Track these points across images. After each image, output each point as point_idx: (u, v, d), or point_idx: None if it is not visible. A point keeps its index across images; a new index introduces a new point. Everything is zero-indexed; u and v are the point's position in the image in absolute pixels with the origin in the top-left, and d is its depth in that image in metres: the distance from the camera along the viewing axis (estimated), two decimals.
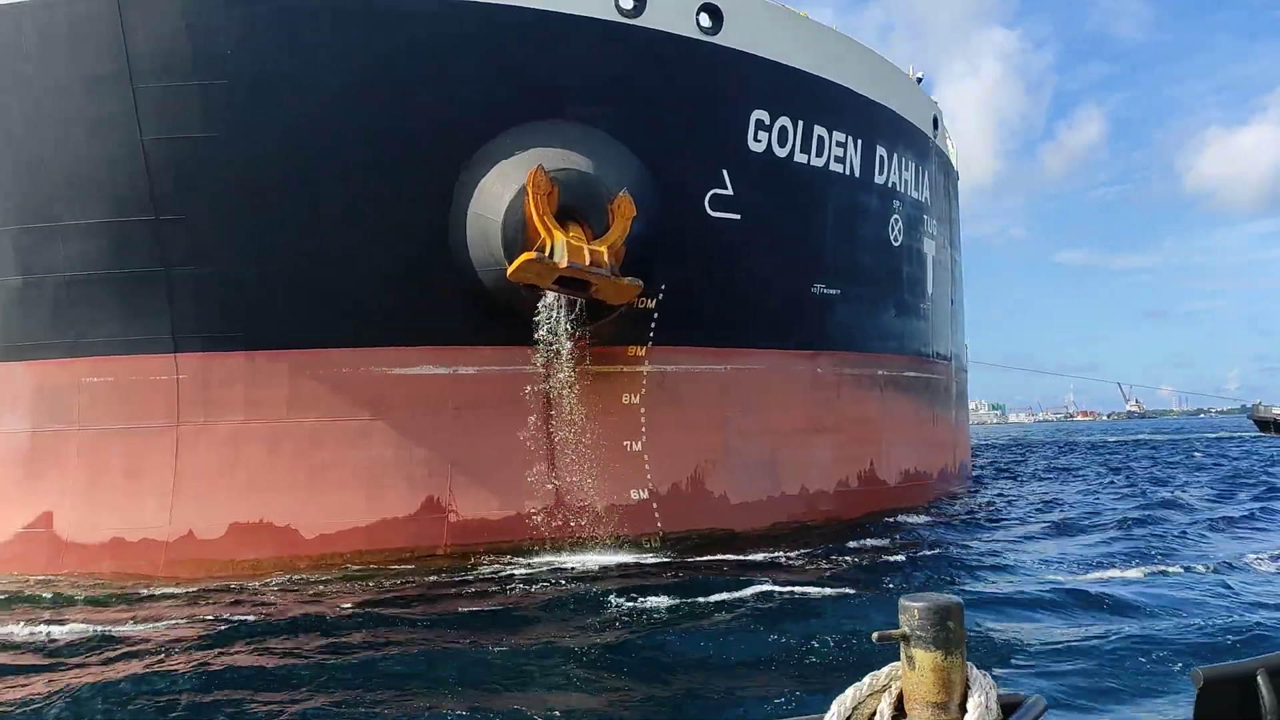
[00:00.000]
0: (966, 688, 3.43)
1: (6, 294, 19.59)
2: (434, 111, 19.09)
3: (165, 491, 19.05)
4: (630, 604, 15.02)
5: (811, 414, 24.17)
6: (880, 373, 26.61)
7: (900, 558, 20.25)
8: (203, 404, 19.31)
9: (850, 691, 3.59)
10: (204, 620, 13.58)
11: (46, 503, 19.37)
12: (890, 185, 26.29)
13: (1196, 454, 65.17)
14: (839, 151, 24.11)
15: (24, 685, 10.51)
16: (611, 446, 20.97)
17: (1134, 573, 19.03)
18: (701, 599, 15.28)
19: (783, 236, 23.12)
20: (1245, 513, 27.46)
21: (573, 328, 19.32)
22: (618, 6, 20.09)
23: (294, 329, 19.37)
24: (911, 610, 3.42)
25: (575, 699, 10.46)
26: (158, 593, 16.73)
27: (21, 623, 13.88)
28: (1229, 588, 16.86)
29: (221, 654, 11.33)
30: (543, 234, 17.93)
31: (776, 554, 20.16)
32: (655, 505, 21.32)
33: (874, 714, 3.53)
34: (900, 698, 3.51)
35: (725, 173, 21.80)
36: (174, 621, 13.57)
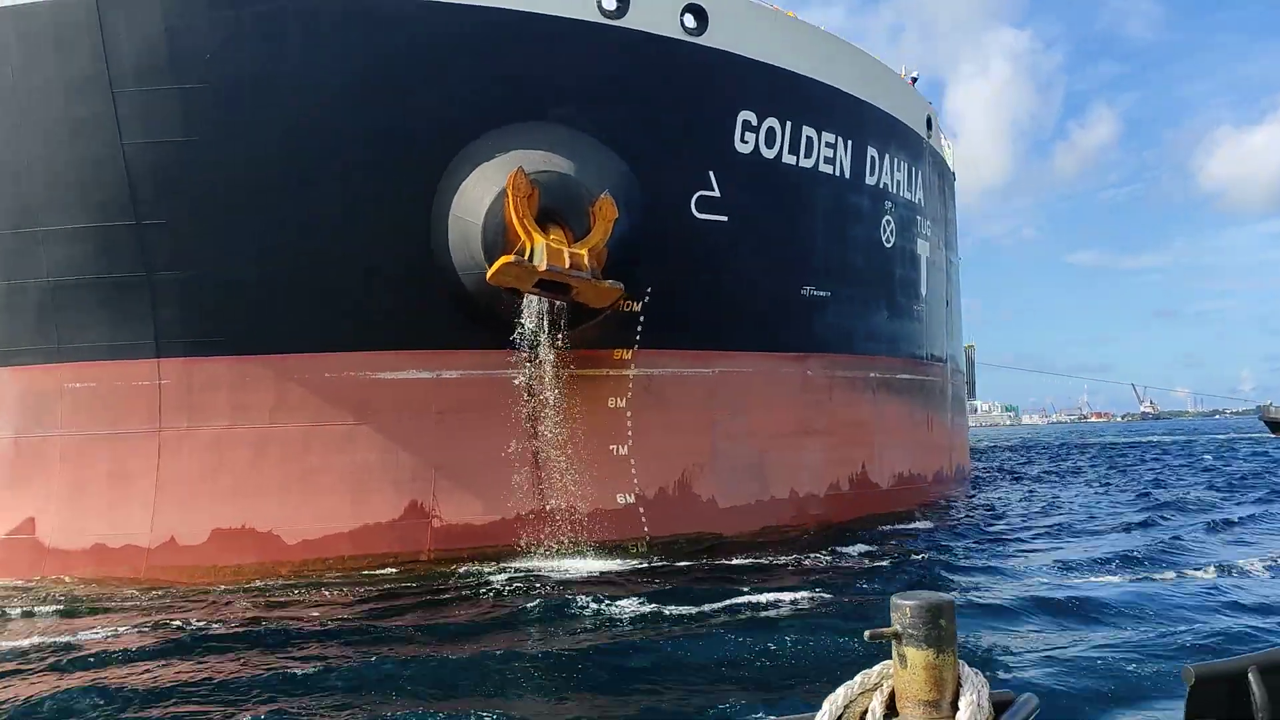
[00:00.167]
0: (958, 686, 3.40)
1: None
2: (415, 114, 18.99)
3: (147, 497, 18.98)
4: (607, 610, 14.88)
5: (801, 417, 23.99)
6: (872, 375, 26.41)
7: (888, 563, 20.09)
8: (186, 409, 19.25)
9: (842, 690, 3.57)
10: (168, 628, 13.48)
11: (30, 508, 19.33)
12: (882, 186, 26.11)
13: (1207, 456, 64.66)
14: (828, 152, 23.95)
15: None
16: (597, 450, 20.82)
17: (1125, 577, 18.97)
18: (682, 606, 15.12)
19: (771, 238, 22.96)
20: (1245, 515, 27.20)
21: (554, 331, 19.20)
22: (600, 8, 19.98)
23: (277, 333, 19.29)
24: (903, 608, 3.39)
25: (530, 708, 10.32)
26: (128, 600, 16.61)
27: None
28: (1219, 591, 16.74)
29: (174, 664, 11.23)
30: (522, 237, 17.82)
31: (763, 559, 20.02)
32: (642, 509, 21.17)
33: (866, 712, 3.50)
34: (892, 696, 3.48)
35: (712, 174, 21.66)
36: (140, 629, 13.47)
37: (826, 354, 24.82)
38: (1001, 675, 11.79)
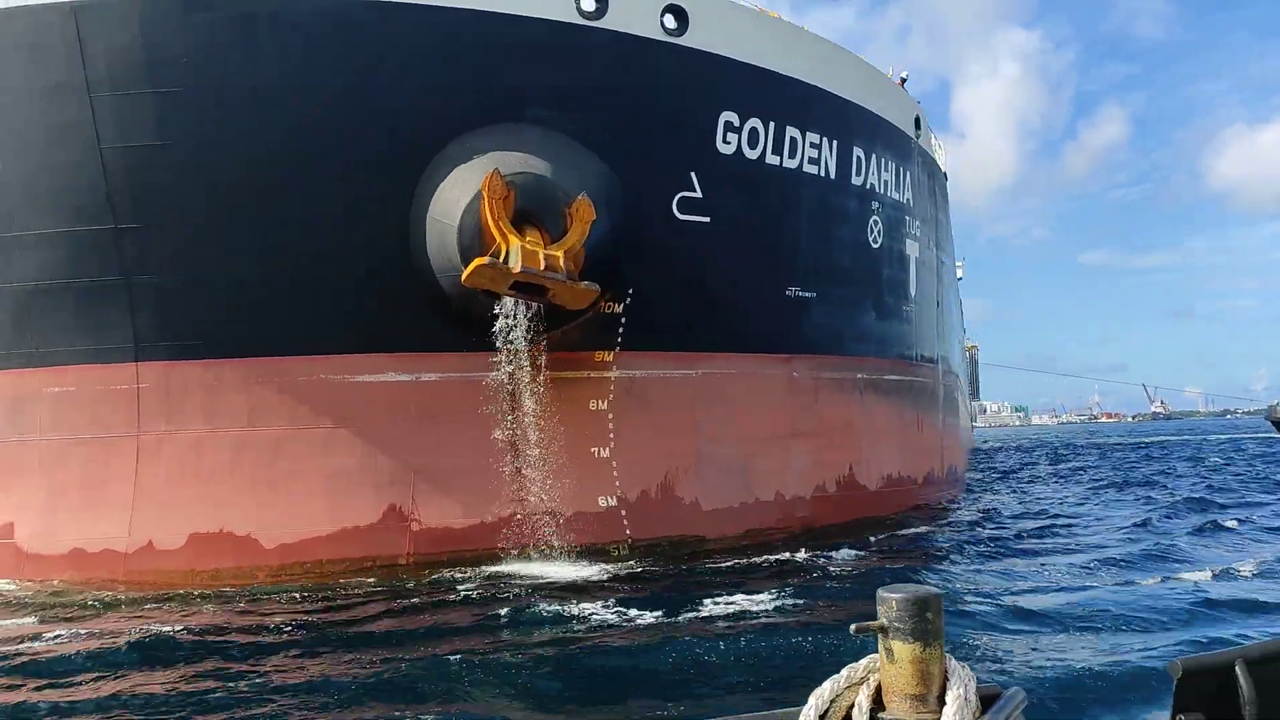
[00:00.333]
0: (945, 680, 3.37)
1: None
2: (392, 116, 18.93)
3: (125, 502, 18.96)
4: (581, 613, 14.79)
5: (787, 418, 23.87)
6: (860, 376, 26.28)
7: (872, 564, 20.04)
8: (164, 413, 19.21)
9: (828, 684, 3.53)
10: (128, 634, 13.36)
11: (8, 513, 19.34)
12: (868, 187, 25.99)
13: (1215, 458, 64.36)
14: (813, 153, 23.84)
15: None
16: (578, 453, 20.72)
17: (1113, 578, 18.92)
18: (659, 609, 15.09)
19: (755, 239, 22.86)
20: (1241, 517, 27.02)
21: (532, 333, 19.12)
22: (579, 9, 19.90)
23: (255, 337, 19.25)
24: (890, 602, 3.36)
25: (497, 713, 10.24)
26: (97, 605, 16.56)
27: None
28: (1207, 592, 16.70)
29: (127, 674, 11.13)
30: (498, 239, 17.75)
31: (745, 561, 19.95)
32: (624, 512, 21.07)
33: (852, 706, 3.47)
34: (878, 690, 3.45)
35: (694, 175, 21.56)
36: (100, 635, 13.39)
37: (812, 355, 24.69)
38: (988, 669, 11.85)
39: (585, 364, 21.08)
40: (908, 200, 28.35)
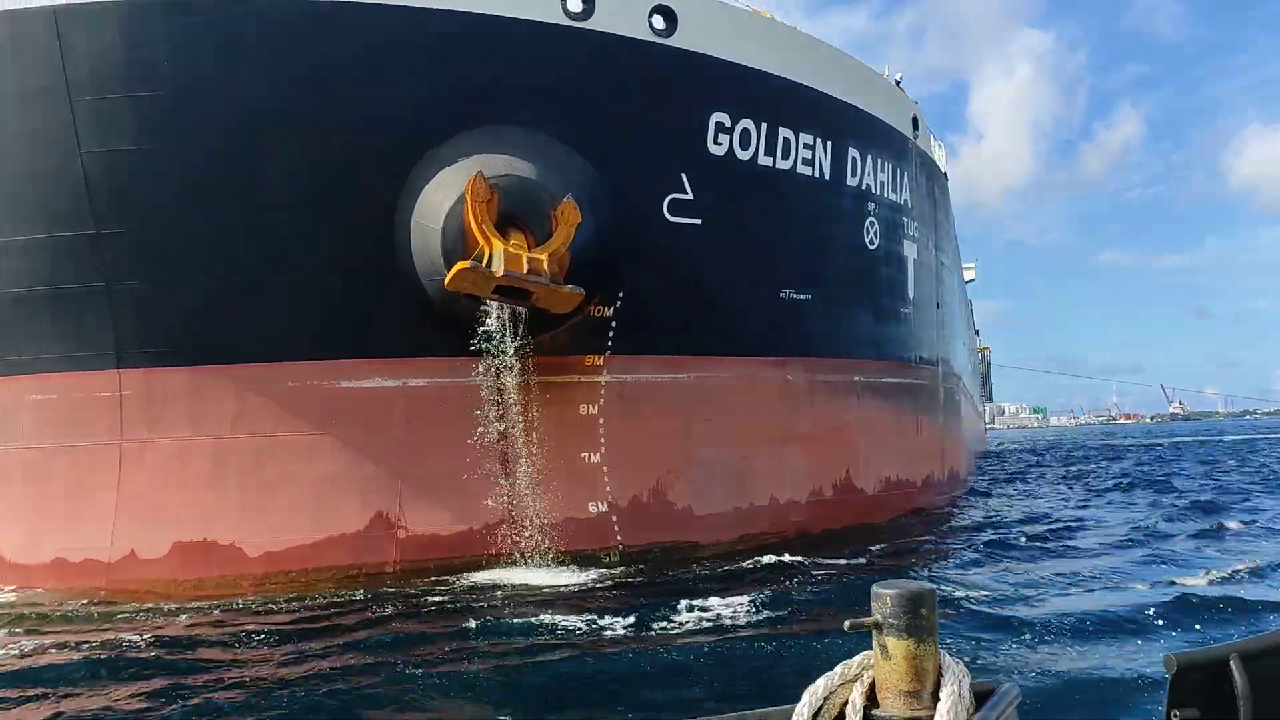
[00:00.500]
0: (940, 676, 3.35)
1: None
2: (377, 119, 18.72)
3: (108, 510, 18.77)
4: (566, 620, 14.53)
5: (782, 422, 23.58)
6: (857, 379, 25.97)
7: (868, 568, 19.76)
8: (147, 421, 19.02)
9: (822, 681, 3.50)
10: (93, 646, 13.15)
11: None
12: (864, 187, 25.69)
13: (1230, 460, 63.80)
14: (806, 154, 23.55)
15: None
16: (568, 458, 20.50)
17: (1112, 580, 18.63)
18: (647, 615, 14.83)
19: (747, 241, 22.58)
20: (1243, 521, 26.62)
21: (518, 337, 18.90)
22: (565, 10, 19.68)
23: (239, 343, 19.05)
24: (884, 598, 3.34)
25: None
26: (70, 616, 16.32)
27: None
28: (1203, 595, 16.48)
29: (81, 690, 10.90)
30: (481, 242, 17.53)
31: (738, 566, 19.65)
32: (614, 518, 20.80)
33: (846, 703, 3.45)
34: (873, 687, 3.44)
35: (684, 177, 21.30)
36: (67, 648, 13.16)
37: (808, 358, 24.39)
38: (983, 666, 11.83)
39: (575, 368, 20.85)
40: (905, 201, 28.04)
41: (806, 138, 23.48)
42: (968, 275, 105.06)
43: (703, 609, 15.25)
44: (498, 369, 19.13)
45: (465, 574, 18.90)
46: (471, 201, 17.51)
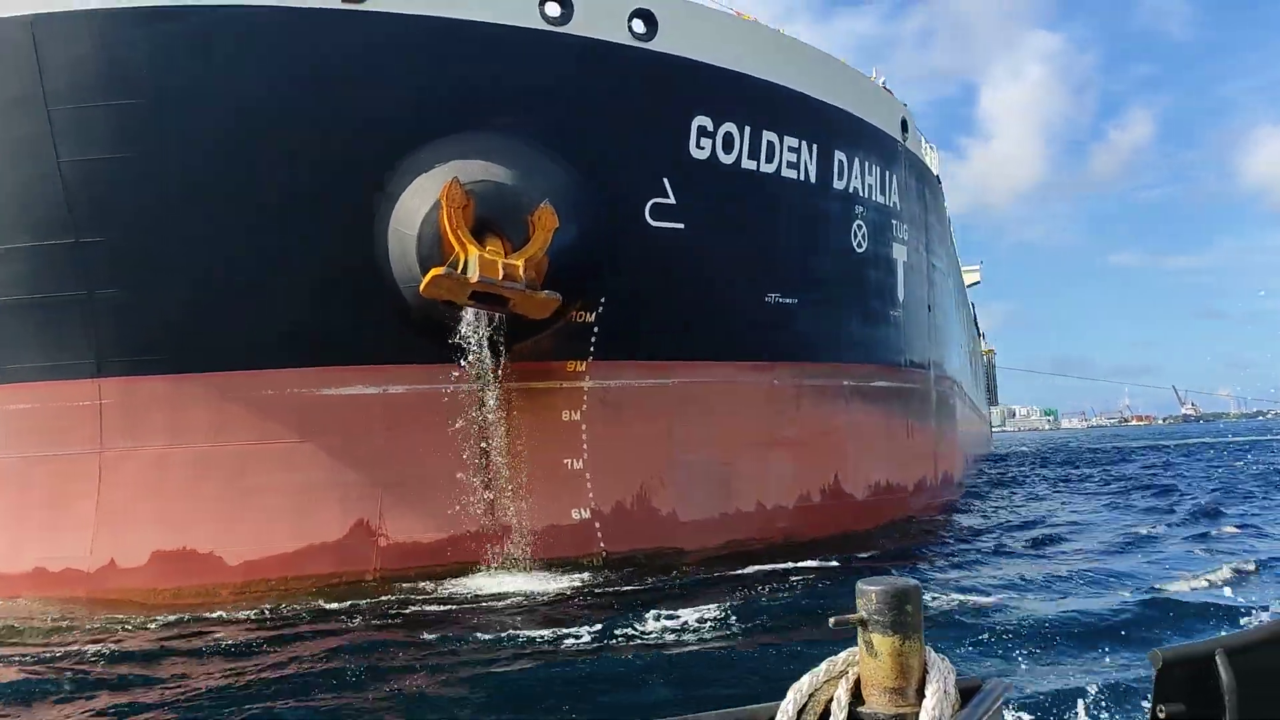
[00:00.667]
0: (925, 672, 3.37)
1: None
2: (354, 126, 18.67)
3: (88, 519, 18.72)
4: (542, 628, 14.43)
5: (768, 427, 23.45)
6: (845, 383, 25.83)
7: (854, 572, 19.60)
8: (127, 429, 18.98)
9: (807, 678, 3.51)
10: (44, 661, 13.05)
11: None
12: (851, 190, 25.56)
13: (1237, 463, 63.41)
14: (791, 157, 23.44)
15: None
16: (550, 465, 20.42)
17: (1099, 586, 18.50)
18: (626, 622, 14.65)
19: (731, 245, 22.46)
20: (1239, 525, 26.39)
21: (497, 344, 18.84)
22: (543, 14, 19.62)
23: (218, 350, 19.01)
24: (869, 594, 3.36)
25: None
26: (38, 627, 16.24)
27: None
28: (1192, 601, 16.43)
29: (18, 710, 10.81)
30: (456, 248, 17.47)
31: (717, 574, 19.48)
32: (598, 524, 20.71)
33: (831, 700, 3.45)
34: (858, 683, 3.44)
35: (666, 181, 21.22)
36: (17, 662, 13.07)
37: (795, 362, 24.27)
38: (968, 660, 11.89)
39: (557, 374, 20.77)
40: (894, 204, 27.90)
41: (791, 141, 23.37)
42: (972, 278, 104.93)
43: (679, 616, 15.12)
44: (478, 375, 19.04)
45: (446, 582, 18.79)
46: (447, 207, 17.45)
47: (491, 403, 19.45)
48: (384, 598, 17.03)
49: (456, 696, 11.11)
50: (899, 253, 28.28)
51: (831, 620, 3.44)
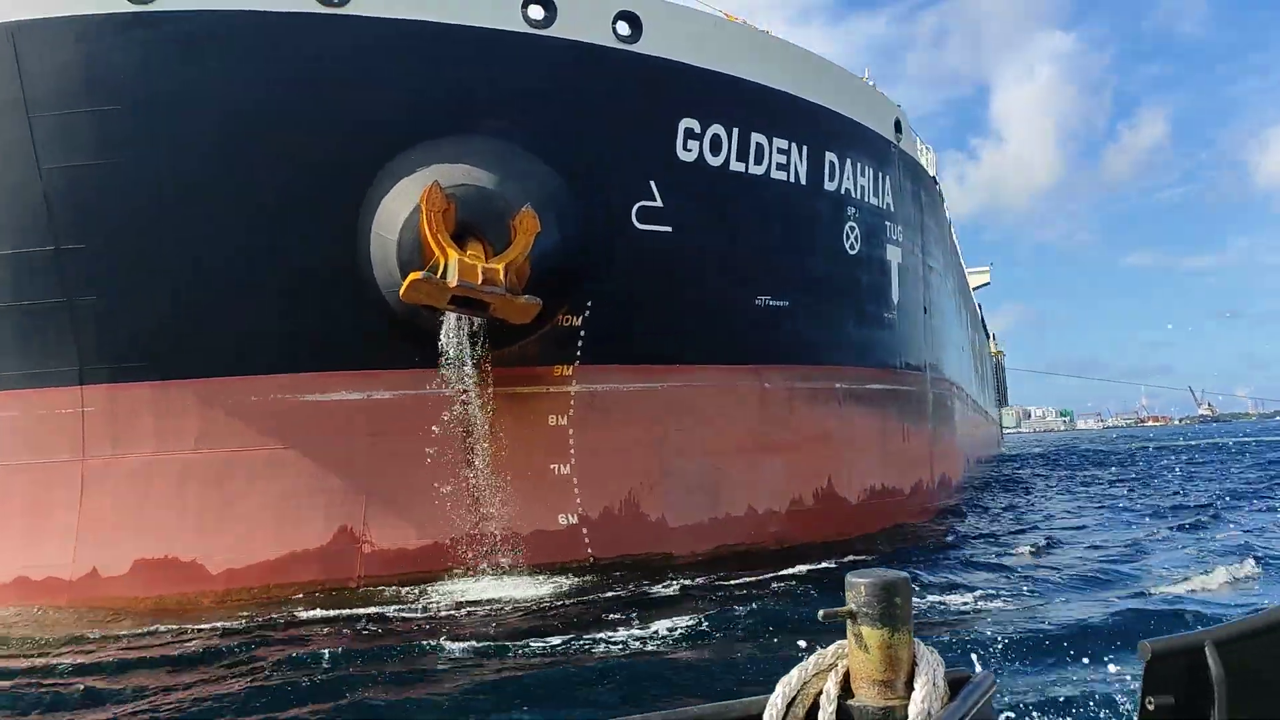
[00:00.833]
0: (914, 665, 3.37)
1: None
2: (337, 131, 18.57)
3: (70, 528, 18.64)
4: (521, 635, 14.28)
5: (759, 431, 23.25)
6: (838, 386, 25.62)
7: (840, 579, 19.33)
8: (110, 437, 18.91)
9: (795, 672, 3.50)
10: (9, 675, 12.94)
11: None
12: (843, 192, 25.37)
13: (1246, 459, 62.93)
14: (781, 159, 23.27)
15: None
16: (537, 470, 20.29)
17: (1091, 587, 18.51)
18: (605, 628, 14.53)
19: (720, 248, 22.31)
20: (1240, 529, 26.10)
21: (480, 348, 18.71)
22: (526, 17, 19.51)
23: (203, 357, 18.92)
24: (858, 586, 3.36)
25: None
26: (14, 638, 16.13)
27: None
28: (1180, 602, 16.32)
29: None
30: (436, 253, 17.35)
31: (705, 580, 19.26)
32: (585, 530, 20.55)
33: (820, 693, 3.44)
34: (847, 676, 3.44)
35: (653, 184, 21.08)
36: None
37: (786, 365, 24.08)
38: (960, 662, 11.50)
39: (544, 378, 20.62)
40: (888, 205, 27.70)
41: (780, 142, 23.20)
42: (981, 280, 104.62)
43: (660, 623, 14.97)
44: (460, 380, 18.92)
45: (431, 588, 18.66)
46: (427, 211, 17.34)
47: (476, 408, 19.31)
48: (364, 609, 16.76)
49: (425, 704, 11.00)
50: (893, 254, 28.07)
51: (821, 613, 3.44)
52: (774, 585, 18.27)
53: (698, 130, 21.56)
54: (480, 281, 17.00)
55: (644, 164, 21.02)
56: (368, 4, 18.44)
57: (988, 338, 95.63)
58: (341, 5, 18.33)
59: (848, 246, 25.71)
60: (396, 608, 16.95)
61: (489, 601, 17.46)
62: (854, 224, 25.83)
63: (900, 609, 3.32)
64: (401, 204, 18.13)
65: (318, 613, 16.47)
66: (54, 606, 18.14)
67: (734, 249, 22.65)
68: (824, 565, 20.70)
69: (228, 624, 15.69)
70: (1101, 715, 10.33)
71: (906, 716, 3.28)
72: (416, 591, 18.34)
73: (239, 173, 18.46)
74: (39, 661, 13.96)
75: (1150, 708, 3.91)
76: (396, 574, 19.05)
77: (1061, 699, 10.80)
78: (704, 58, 21.59)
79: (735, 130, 22.18)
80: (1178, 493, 39.25)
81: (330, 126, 18.55)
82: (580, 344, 20.73)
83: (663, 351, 21.84)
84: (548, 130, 19.73)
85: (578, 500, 20.61)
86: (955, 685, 3.39)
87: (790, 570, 19.76)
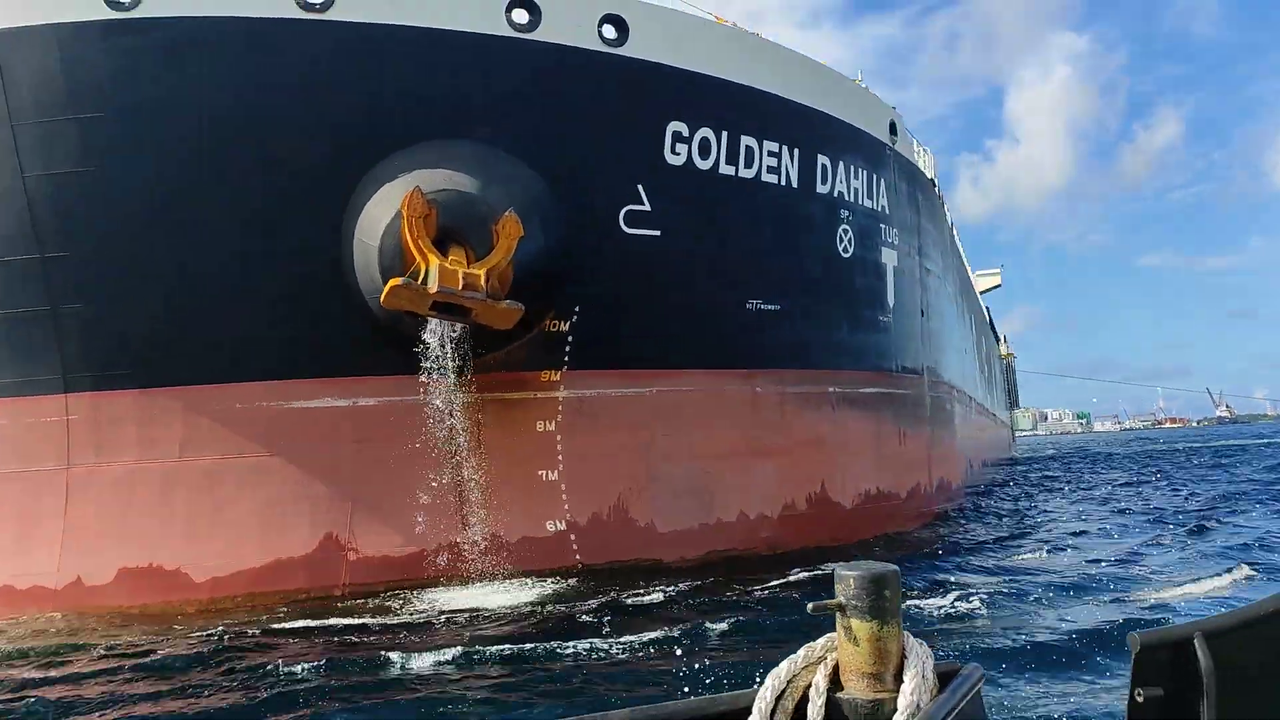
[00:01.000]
0: (903, 657, 3.38)
1: None
2: (320, 136, 18.54)
3: (55, 536, 18.61)
4: (502, 642, 14.14)
5: (750, 435, 23.08)
6: (832, 389, 25.43)
7: (827, 585, 19.15)
8: (94, 445, 18.88)
9: (785, 664, 3.50)
10: None
11: None
12: (836, 195, 25.21)
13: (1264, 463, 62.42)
14: (771, 161, 23.12)
15: None
16: (524, 476, 20.18)
17: (1084, 588, 18.40)
18: (588, 636, 14.38)
19: (709, 252, 22.16)
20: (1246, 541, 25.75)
21: (464, 354, 18.62)
22: (510, 21, 19.42)
23: (187, 364, 18.88)
24: (847, 579, 3.36)
25: None
26: None
27: None
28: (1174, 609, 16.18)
29: None
30: (417, 258, 17.26)
31: (694, 584, 19.08)
32: (573, 536, 20.42)
33: (809, 686, 3.45)
34: (836, 669, 3.45)
35: (641, 188, 20.96)
36: None
37: (778, 369, 23.90)
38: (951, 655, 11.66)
39: (531, 384, 20.52)
40: (882, 208, 27.51)
41: (771, 145, 23.05)
42: (992, 282, 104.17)
43: (644, 629, 14.85)
44: (445, 386, 18.82)
45: (417, 595, 18.55)
46: (408, 217, 17.25)
47: (462, 414, 19.21)
48: (346, 620, 16.61)
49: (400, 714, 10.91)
50: (888, 257, 27.88)
51: (810, 606, 3.44)
52: (761, 592, 18.07)
53: (686, 134, 21.44)
54: (461, 287, 16.89)
55: (631, 168, 20.90)
56: (349, 9, 18.38)
57: (997, 340, 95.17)
58: (323, 10, 18.28)
59: (841, 250, 25.53)
60: (376, 616, 16.80)
61: (472, 609, 17.30)
62: (847, 227, 25.66)
63: (889, 602, 3.33)
64: (383, 210, 18.05)
65: (298, 623, 16.29)
66: (41, 615, 18.10)
67: (724, 253, 22.50)
68: (817, 571, 20.47)
69: (204, 633, 15.55)
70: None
71: (896, 709, 3.27)
72: (402, 600, 18.23)
73: (223, 179, 18.42)
74: (19, 672, 13.90)
75: (1139, 699, 3.89)
76: (382, 582, 18.95)
77: (1054, 702, 10.74)
78: (692, 61, 21.48)
79: (724, 133, 22.05)
80: (1185, 496, 38.85)
81: (313, 133, 18.51)
82: (568, 349, 20.62)
83: (652, 356, 21.70)
84: (532, 134, 19.64)
85: (566, 506, 20.49)
86: (944, 678, 3.39)
87: (781, 576, 19.56)
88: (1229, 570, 19.78)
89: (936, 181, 35.70)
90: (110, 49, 17.99)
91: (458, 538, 19.28)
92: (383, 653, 13.53)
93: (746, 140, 22.52)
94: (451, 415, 19.17)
